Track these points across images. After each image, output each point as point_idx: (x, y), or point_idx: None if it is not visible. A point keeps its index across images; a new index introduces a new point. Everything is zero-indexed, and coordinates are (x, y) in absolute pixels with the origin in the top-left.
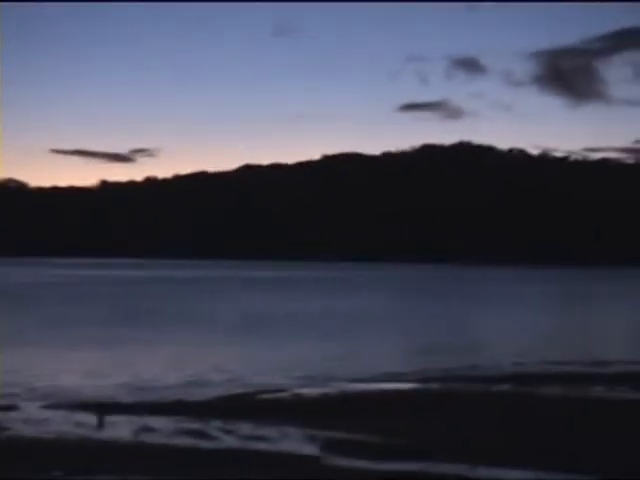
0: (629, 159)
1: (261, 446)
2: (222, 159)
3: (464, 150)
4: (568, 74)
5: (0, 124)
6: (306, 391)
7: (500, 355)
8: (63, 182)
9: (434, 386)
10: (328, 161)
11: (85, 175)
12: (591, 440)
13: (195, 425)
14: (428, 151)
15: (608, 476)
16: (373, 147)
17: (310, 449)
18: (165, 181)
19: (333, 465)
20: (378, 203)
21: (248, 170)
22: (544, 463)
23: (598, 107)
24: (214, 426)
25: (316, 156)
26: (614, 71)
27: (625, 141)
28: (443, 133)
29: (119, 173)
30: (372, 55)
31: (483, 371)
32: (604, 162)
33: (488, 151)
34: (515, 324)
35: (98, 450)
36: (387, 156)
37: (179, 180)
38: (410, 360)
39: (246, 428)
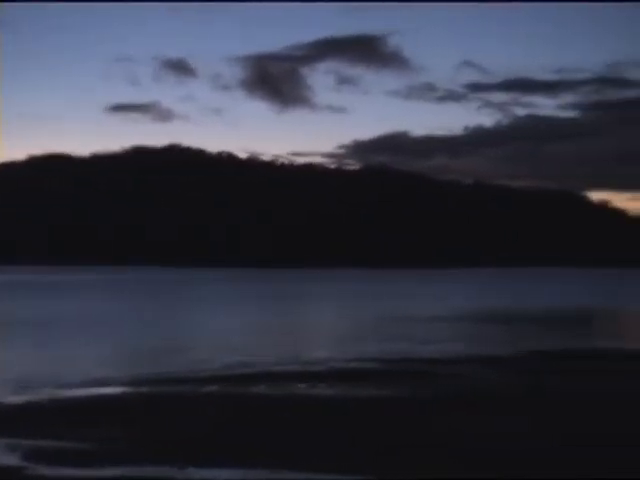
0: (332, 164)
1: None
2: None
3: (174, 153)
4: (274, 80)
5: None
6: (9, 399)
7: (210, 356)
8: None
9: (144, 389)
10: (35, 162)
11: None
12: (296, 436)
13: None
14: (139, 153)
15: (318, 471)
16: (82, 148)
17: (12, 459)
18: None
19: (37, 474)
20: (89, 204)
21: None
22: (253, 461)
23: (303, 113)
24: None
25: (22, 157)
26: (318, 78)
27: (328, 146)
28: (153, 135)
29: None
30: (80, 54)
31: (194, 373)
32: (309, 166)
33: (198, 154)
34: (227, 325)
35: None
36: (96, 157)
37: None
38: (121, 364)
39: None
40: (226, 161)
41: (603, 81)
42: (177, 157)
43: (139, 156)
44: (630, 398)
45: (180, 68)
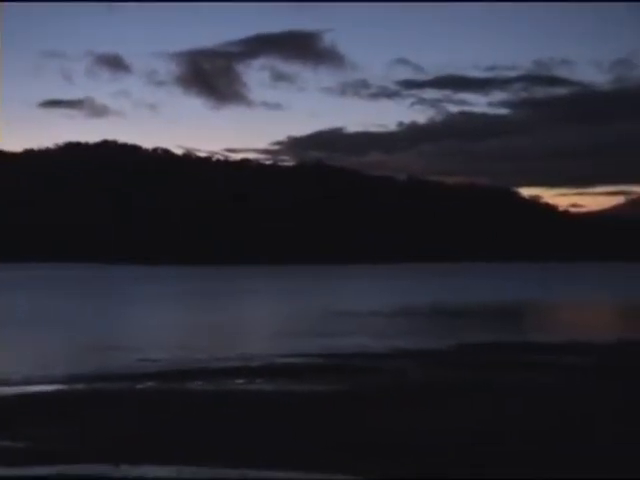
0: (267, 160)
1: None
2: None
3: (109, 149)
4: (209, 76)
5: None
6: None
7: (145, 353)
8: None
9: (79, 387)
10: None
11: None
12: (234, 430)
13: None
14: (72, 149)
15: (257, 466)
16: (14, 144)
17: None
18: None
19: None
20: (21, 200)
21: None
22: (189, 457)
23: (238, 109)
24: None
25: None
26: (253, 74)
27: (263, 142)
28: (87, 131)
29: None
30: (11, 49)
31: (130, 370)
32: (245, 163)
33: (133, 150)
34: (161, 322)
35: None
36: (29, 154)
37: None
38: (55, 361)
39: None
40: (161, 157)
41: (532, 79)
42: (111, 153)
43: (73, 152)
44: (564, 392)
45: (114, 64)
